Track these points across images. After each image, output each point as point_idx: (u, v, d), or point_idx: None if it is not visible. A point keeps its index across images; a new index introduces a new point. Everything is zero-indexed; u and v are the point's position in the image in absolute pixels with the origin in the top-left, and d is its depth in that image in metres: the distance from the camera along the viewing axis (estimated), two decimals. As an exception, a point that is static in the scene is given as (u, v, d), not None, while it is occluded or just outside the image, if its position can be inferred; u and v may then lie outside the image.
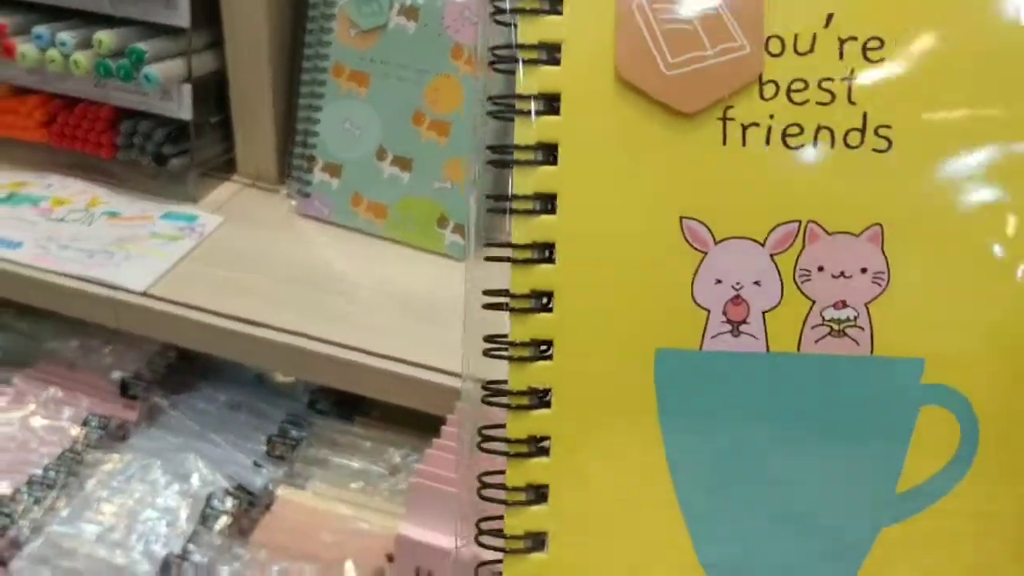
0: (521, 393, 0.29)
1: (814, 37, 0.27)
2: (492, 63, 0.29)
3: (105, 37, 0.76)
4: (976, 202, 0.27)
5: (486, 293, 0.29)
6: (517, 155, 0.29)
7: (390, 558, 0.66)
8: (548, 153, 0.29)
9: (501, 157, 0.29)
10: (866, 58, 0.27)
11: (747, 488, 0.28)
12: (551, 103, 0.28)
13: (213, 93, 0.83)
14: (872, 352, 0.27)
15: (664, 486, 0.28)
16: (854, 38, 0.27)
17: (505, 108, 0.29)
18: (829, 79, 0.27)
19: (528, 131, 0.29)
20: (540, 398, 0.29)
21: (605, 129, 0.28)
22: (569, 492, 0.28)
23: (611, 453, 0.28)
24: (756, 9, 0.27)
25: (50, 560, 0.69)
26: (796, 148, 0.27)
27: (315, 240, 0.80)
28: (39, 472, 0.74)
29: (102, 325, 0.74)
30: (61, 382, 0.84)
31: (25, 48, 0.78)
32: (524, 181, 0.29)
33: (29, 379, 0.84)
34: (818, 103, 0.27)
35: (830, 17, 0.27)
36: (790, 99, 0.27)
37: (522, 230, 0.29)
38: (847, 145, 0.27)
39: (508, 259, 0.29)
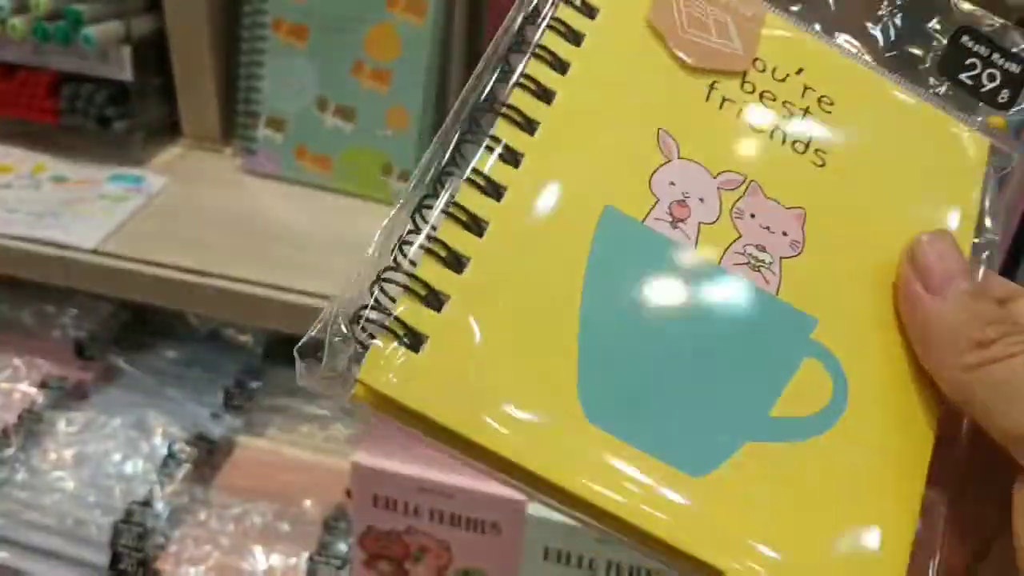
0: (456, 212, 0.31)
1: (786, 75, 0.35)
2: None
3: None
4: (878, 219, 0.34)
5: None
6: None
7: (348, 494, 0.68)
8: (562, 67, 0.33)
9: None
10: (820, 106, 0.35)
11: (642, 354, 0.30)
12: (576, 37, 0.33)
13: (154, 54, 0.83)
14: (777, 294, 0.32)
15: (569, 322, 0.30)
16: (813, 89, 0.35)
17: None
18: (791, 103, 0.34)
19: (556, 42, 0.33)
20: (473, 221, 0.31)
21: (621, 53, 0.34)
22: (473, 305, 0.30)
23: (530, 277, 0.30)
24: (753, 37, 0.35)
25: (13, 515, 0.70)
26: (758, 131, 0.33)
27: (263, 194, 0.81)
28: (-2, 434, 0.76)
29: (56, 288, 0.75)
30: (17, 348, 0.84)
31: (-39, 15, 0.78)
32: (537, 68, 0.33)
33: (-16, 346, 0.85)
34: (781, 111, 0.34)
35: (800, 70, 0.35)
36: (761, 98, 0.34)
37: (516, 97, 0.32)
38: (794, 149, 0.34)
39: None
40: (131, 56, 0.79)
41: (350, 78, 0.78)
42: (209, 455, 0.73)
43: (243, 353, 0.83)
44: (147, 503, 0.69)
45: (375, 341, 0.28)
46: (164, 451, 0.73)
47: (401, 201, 0.32)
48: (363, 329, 0.29)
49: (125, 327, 0.85)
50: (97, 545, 0.68)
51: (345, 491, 0.69)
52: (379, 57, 0.77)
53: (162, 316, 0.87)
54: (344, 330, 0.29)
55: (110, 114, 0.82)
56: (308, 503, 0.69)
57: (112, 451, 0.74)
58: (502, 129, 0.31)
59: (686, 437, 0.29)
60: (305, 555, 0.66)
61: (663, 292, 0.31)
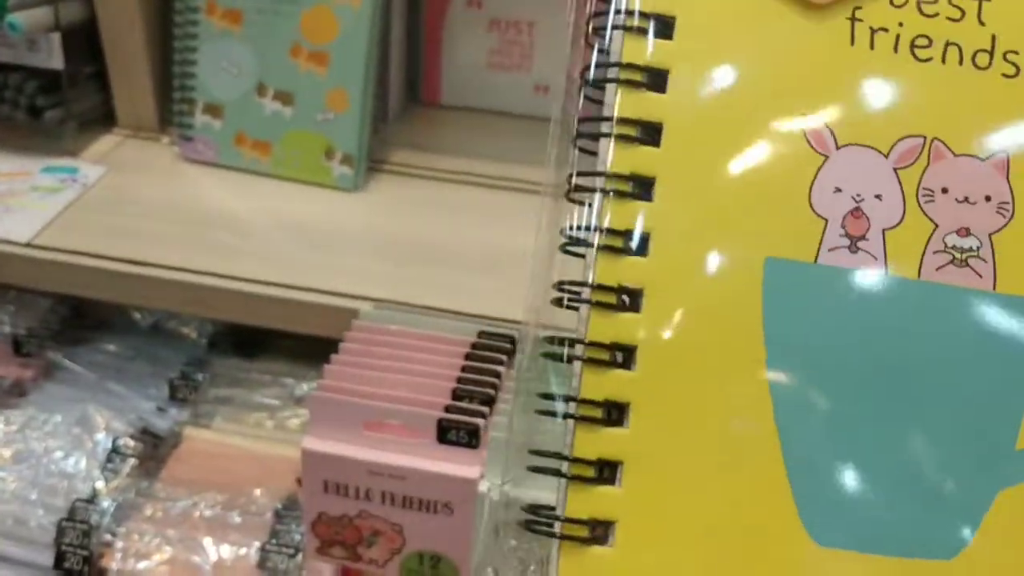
0: (599, 346, 0.26)
1: None
2: None
3: (-36, -13, 0.74)
4: None
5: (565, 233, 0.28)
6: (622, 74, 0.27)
7: (299, 482, 0.67)
8: (664, 28, 0.27)
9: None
10: None
11: (857, 439, 0.25)
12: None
13: (85, 42, 0.81)
14: (995, 288, 0.25)
15: (767, 433, 0.25)
16: None
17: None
18: (957, 1, 0.26)
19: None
20: (623, 355, 0.26)
21: (730, 12, 0.27)
22: (647, 470, 0.24)
23: (703, 401, 0.25)
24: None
25: (-48, 517, 0.68)
26: (924, 60, 0.26)
27: (201, 182, 0.80)
28: (-66, 436, 0.73)
29: (-12, 284, 0.73)
30: (-49, 347, 0.82)
31: None
32: (634, 47, 0.27)
33: (-83, 348, 0.82)
34: (948, 18, 0.26)
35: None
36: (920, 10, 0.26)
37: (629, 103, 0.27)
38: (976, 65, 0.26)
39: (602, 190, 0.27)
40: (61, 43, 0.77)
41: (288, 61, 0.77)
42: (155, 449, 0.72)
43: (187, 344, 0.82)
44: (91, 500, 0.67)
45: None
46: (108, 446, 0.72)
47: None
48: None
49: (64, 322, 0.83)
50: (41, 544, 0.66)
51: (296, 479, 0.68)
52: (316, 40, 0.76)
53: (102, 310, 0.85)
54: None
55: (41, 104, 0.79)
56: (258, 492, 0.67)
57: (54, 448, 0.72)
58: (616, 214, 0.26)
59: (927, 517, 0.24)
60: (256, 545, 0.65)
61: (863, 348, 0.25)
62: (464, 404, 0.57)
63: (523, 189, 0.80)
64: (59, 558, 0.65)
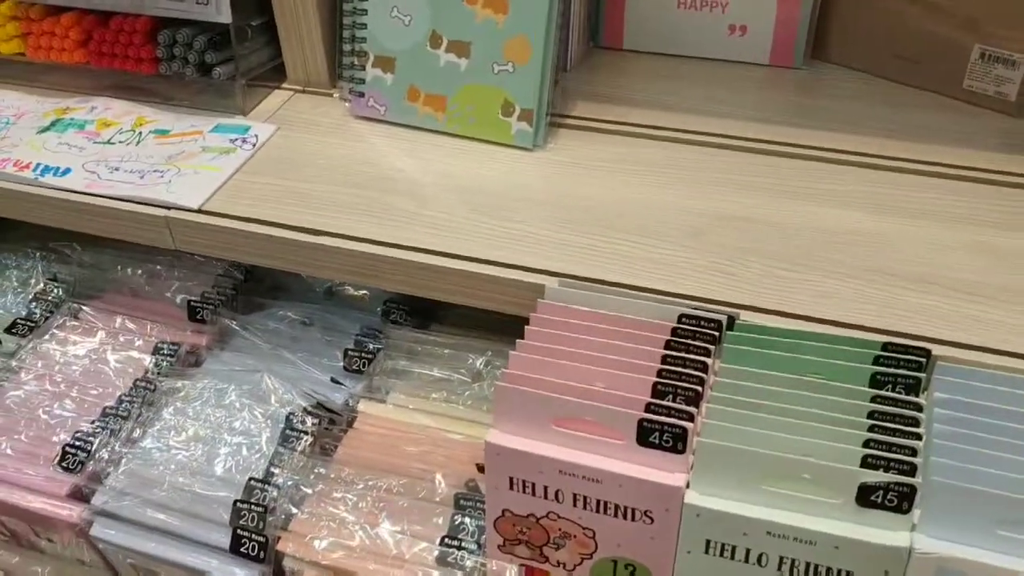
0: None
1: None
2: None
3: (132, -60, 0.71)
4: None
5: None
6: None
7: (480, 468, 0.63)
8: None
9: None
10: None
11: None
12: None
13: (252, -6, 0.78)
14: None
15: None
16: None
17: None
18: None
19: None
20: None
21: None
22: None
23: None
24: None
25: (131, 492, 0.67)
26: None
27: (373, 141, 0.75)
28: (112, 404, 0.72)
29: (163, 249, 0.71)
30: (128, 312, 0.81)
31: (52, -38, 0.74)
32: None
33: (96, 311, 0.82)
34: None
35: None
36: None
37: None
38: None
39: None
40: (228, -4, 0.74)
41: (463, 8, 0.70)
42: (331, 424, 0.69)
43: (362, 311, 0.78)
44: (266, 480, 0.65)
45: None
46: (283, 420, 0.69)
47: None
48: None
49: (237, 287, 0.81)
50: (219, 524, 0.65)
51: (476, 466, 0.63)
52: (495, -17, 0.69)
53: (276, 274, 0.83)
54: None
55: (210, 60, 0.76)
56: (438, 477, 0.63)
57: (228, 420, 0.70)
58: None
59: None
60: (437, 538, 0.61)
61: None
62: (667, 403, 0.50)
63: (715, 144, 0.72)
64: (235, 541, 0.63)
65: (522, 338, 0.56)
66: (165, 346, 0.76)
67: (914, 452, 0.46)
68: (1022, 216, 0.63)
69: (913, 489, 0.45)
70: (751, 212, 0.65)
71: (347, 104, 0.78)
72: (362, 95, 0.76)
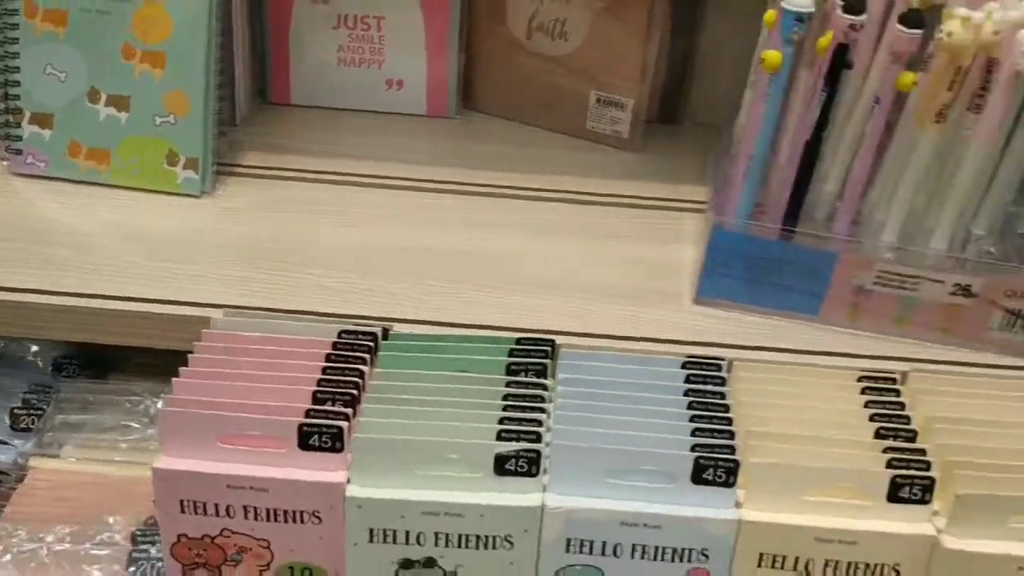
0: None
1: None
2: None
3: None
4: None
5: None
6: None
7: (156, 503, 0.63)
8: None
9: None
10: None
11: None
12: None
13: None
14: None
15: None
16: None
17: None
18: None
19: None
20: None
21: None
22: None
23: None
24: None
25: None
26: None
27: (34, 198, 0.74)
28: None
29: None
30: None
31: None
32: None
33: None
34: None
35: None
36: None
37: None
38: None
39: None
40: None
41: (120, 64, 0.72)
42: (-2, 484, 0.67)
43: (30, 369, 0.76)
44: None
45: None
46: (-56, 487, 0.66)
47: None
48: None
49: None
50: None
51: (153, 501, 0.64)
52: (149, 39, 0.72)
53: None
54: None
55: None
56: (112, 520, 0.63)
57: None
58: None
59: None
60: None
61: None
62: (326, 407, 0.54)
63: (379, 185, 0.78)
64: None
65: (188, 366, 0.58)
66: None
67: (540, 424, 0.53)
68: (634, 229, 0.74)
69: (538, 454, 0.51)
70: (411, 242, 0.72)
71: (5, 162, 0.77)
72: (19, 152, 0.75)
